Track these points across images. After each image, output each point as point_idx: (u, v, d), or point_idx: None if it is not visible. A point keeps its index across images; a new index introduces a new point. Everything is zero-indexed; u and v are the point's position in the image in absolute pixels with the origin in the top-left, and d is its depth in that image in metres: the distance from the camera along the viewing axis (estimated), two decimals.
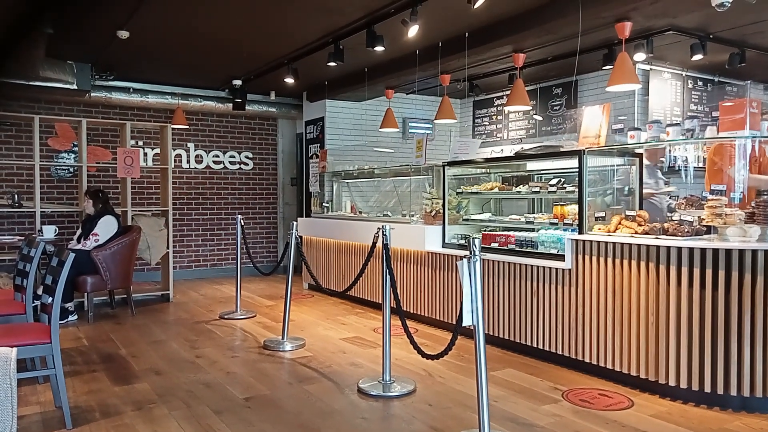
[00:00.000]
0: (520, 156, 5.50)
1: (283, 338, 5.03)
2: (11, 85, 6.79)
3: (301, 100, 9.11)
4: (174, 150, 8.72)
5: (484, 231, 5.20)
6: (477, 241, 2.94)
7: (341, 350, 4.85)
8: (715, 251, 3.42)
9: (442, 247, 5.49)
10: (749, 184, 4.46)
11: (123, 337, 5.28)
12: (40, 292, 3.93)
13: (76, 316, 6.00)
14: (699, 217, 3.72)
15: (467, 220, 5.54)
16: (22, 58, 6.16)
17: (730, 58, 6.11)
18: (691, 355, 3.52)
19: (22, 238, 6.13)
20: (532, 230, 4.80)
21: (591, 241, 4.05)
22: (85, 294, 5.93)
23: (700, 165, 5.13)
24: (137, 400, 3.65)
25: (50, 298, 3.30)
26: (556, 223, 4.55)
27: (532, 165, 5.41)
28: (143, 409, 3.50)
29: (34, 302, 3.98)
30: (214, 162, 9.18)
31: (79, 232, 6.36)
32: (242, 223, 6.48)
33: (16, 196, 6.66)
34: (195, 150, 9.03)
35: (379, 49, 5.61)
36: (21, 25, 5.42)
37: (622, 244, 3.84)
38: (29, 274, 3.90)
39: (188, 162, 8.99)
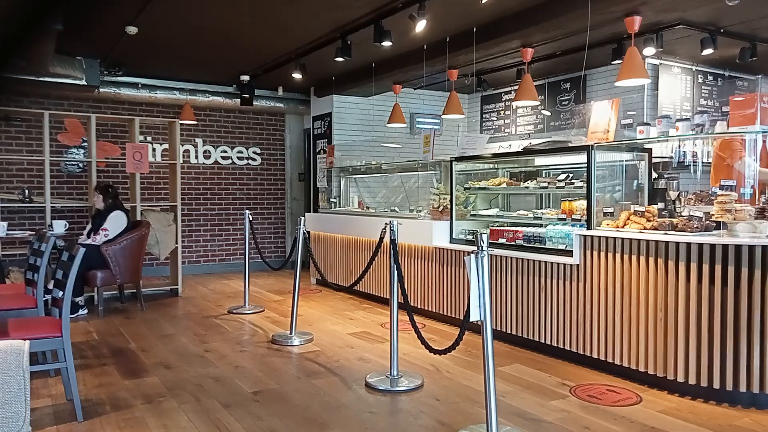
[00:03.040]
0: (528, 151, 5.49)
1: (291, 333, 5.05)
2: (21, 81, 6.84)
3: (308, 96, 9.12)
4: (182, 145, 8.75)
5: (492, 226, 5.19)
6: (485, 237, 2.94)
7: (349, 345, 4.87)
8: (725, 247, 3.40)
9: (450, 242, 5.49)
10: (759, 178, 4.43)
11: (133, 332, 5.32)
12: (50, 286, 3.97)
13: (86, 311, 6.05)
14: (708, 212, 3.70)
15: (475, 215, 5.53)
16: (32, 54, 6.21)
17: (741, 52, 6.05)
18: (700, 351, 3.51)
19: (33, 233, 6.18)
20: (540, 226, 4.79)
21: (599, 237, 4.04)
22: (95, 288, 5.97)
23: (710, 160, 5.09)
24: (147, 394, 3.68)
25: (61, 293, 3.33)
26: (564, 219, 4.53)
27: (540, 160, 5.39)
28: (153, 403, 3.53)
29: (44, 296, 4.02)
30: (222, 157, 9.21)
31: (89, 227, 6.40)
32: (250, 219, 6.50)
33: (26, 191, 6.71)
34: (203, 145, 9.06)
35: (387, 44, 5.60)
36: (31, 21, 5.45)
37: (631, 239, 3.83)
38: (40, 268, 3.94)
39: (196, 157, 9.02)
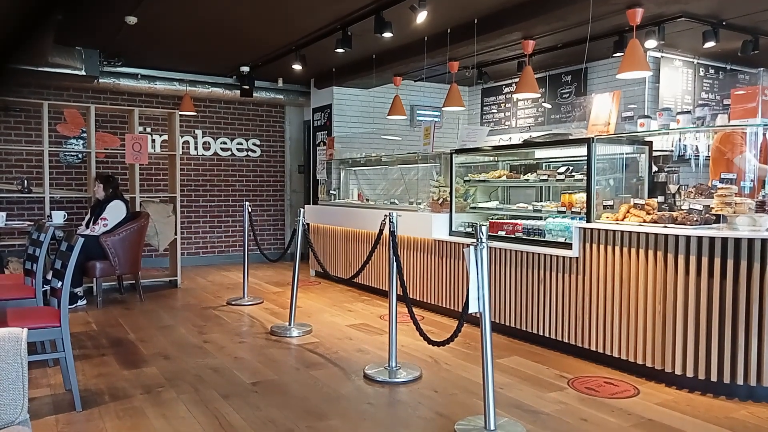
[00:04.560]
0: (528, 144, 5.47)
1: (290, 324, 5.06)
2: (21, 71, 6.81)
3: (308, 87, 9.09)
4: (182, 137, 8.73)
5: (492, 219, 5.19)
6: (484, 229, 2.93)
7: (348, 337, 4.87)
8: (724, 240, 3.40)
9: (449, 235, 5.49)
10: (758, 174, 4.42)
11: (132, 322, 5.33)
12: (49, 276, 3.97)
13: (85, 301, 6.05)
14: (708, 206, 3.70)
15: (474, 208, 5.53)
16: (31, 44, 6.18)
17: (743, 45, 6.03)
18: (698, 344, 3.51)
19: (32, 223, 6.18)
20: (540, 218, 4.78)
21: (599, 230, 4.03)
22: (94, 279, 5.98)
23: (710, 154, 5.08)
24: (146, 384, 3.69)
25: (60, 283, 3.33)
26: (564, 212, 4.53)
27: (540, 153, 5.37)
28: (152, 393, 3.54)
29: (43, 287, 4.02)
30: (222, 149, 9.19)
31: (88, 217, 6.40)
32: (250, 210, 6.50)
33: (25, 181, 6.71)
34: (203, 137, 9.04)
35: (388, 35, 5.57)
36: (31, 11, 5.42)
37: (630, 232, 3.83)
38: (39, 258, 3.94)
39: (196, 149, 9.00)
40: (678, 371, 3.59)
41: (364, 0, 5.30)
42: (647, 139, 4.52)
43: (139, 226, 6.20)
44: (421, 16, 5.13)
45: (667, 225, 3.67)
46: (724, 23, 5.69)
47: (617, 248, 3.92)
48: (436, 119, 8.72)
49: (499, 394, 3.43)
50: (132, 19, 5.72)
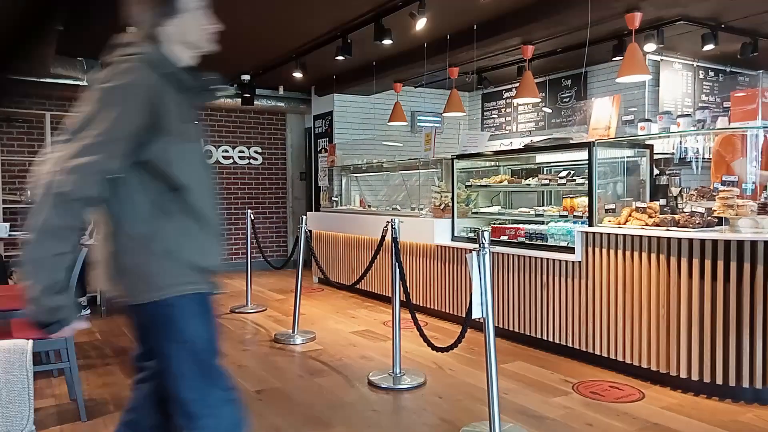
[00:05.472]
0: (529, 148, 5.48)
1: (293, 332, 5.05)
2: (23, 82, 6.84)
3: (309, 95, 9.12)
4: None
5: (494, 224, 5.19)
6: (486, 234, 2.94)
7: (351, 343, 4.87)
8: (727, 242, 3.39)
9: (452, 240, 5.49)
10: (760, 182, 4.42)
11: None
12: None
13: (89, 311, 6.06)
14: (710, 208, 3.70)
15: (476, 213, 5.53)
16: (33, 55, 6.21)
17: (743, 47, 6.04)
18: (703, 347, 3.50)
19: None
20: (542, 223, 4.78)
21: (601, 234, 4.04)
22: (98, 289, 5.98)
23: (711, 157, 5.08)
24: None
25: None
26: (566, 216, 4.53)
27: (541, 157, 5.38)
28: None
29: None
30: (224, 157, 9.22)
31: (91, 226, 6.40)
32: (252, 218, 6.51)
33: (29, 192, 6.73)
34: (204, 145, 9.05)
35: (387, 42, 5.59)
36: (32, 22, 5.45)
37: (633, 236, 3.83)
38: None
39: None
40: (683, 374, 3.58)
41: (364, 7, 5.33)
42: (648, 142, 4.53)
43: None
44: (421, 23, 5.15)
45: (669, 228, 3.67)
46: (723, 26, 5.70)
47: (620, 252, 3.92)
48: (436, 125, 8.74)
49: (503, 400, 3.42)
50: (133, 30, 5.75)
